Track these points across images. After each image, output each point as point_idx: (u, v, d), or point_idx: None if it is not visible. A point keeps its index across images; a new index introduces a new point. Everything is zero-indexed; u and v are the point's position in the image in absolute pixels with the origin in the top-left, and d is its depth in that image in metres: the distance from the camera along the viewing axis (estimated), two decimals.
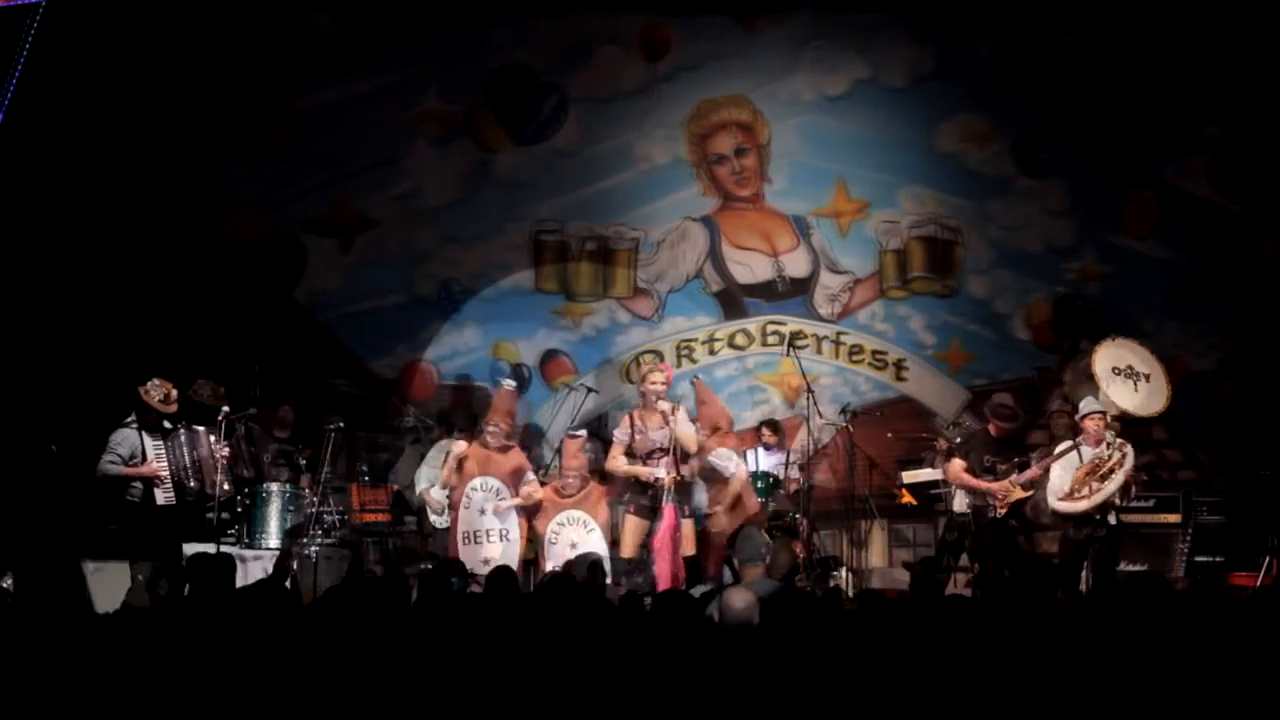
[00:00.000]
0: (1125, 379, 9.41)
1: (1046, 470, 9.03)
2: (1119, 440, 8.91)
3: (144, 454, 9.21)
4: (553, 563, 9.39)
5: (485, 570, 8.65)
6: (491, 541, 9.57)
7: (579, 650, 4.55)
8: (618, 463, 9.32)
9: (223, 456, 9.47)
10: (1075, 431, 9.14)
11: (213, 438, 9.43)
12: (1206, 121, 11.85)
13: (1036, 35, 11.94)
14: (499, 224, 12.29)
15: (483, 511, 9.60)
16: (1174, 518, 10.80)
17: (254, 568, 9.60)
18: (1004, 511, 9.08)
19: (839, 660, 4.41)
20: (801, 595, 5.80)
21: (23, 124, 10.19)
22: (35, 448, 10.26)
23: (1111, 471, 8.83)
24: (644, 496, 9.25)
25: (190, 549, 8.92)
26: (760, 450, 11.11)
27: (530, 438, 11.69)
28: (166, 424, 9.31)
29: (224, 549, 9.27)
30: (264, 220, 12.23)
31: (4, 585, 8.13)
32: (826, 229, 12.30)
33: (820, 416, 11.16)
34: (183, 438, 9.28)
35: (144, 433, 9.24)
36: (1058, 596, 6.89)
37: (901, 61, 12.11)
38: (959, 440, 9.93)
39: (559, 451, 10.71)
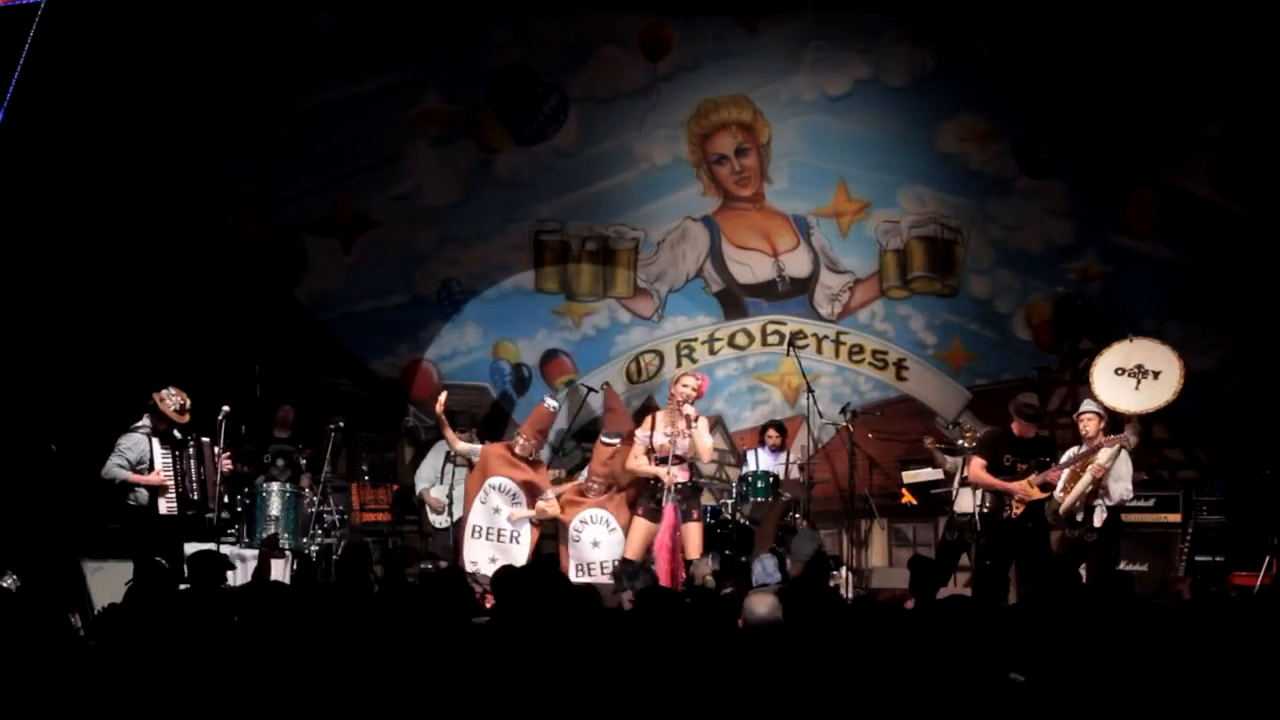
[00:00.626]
0: (1129, 378, 9.39)
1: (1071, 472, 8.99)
2: (1110, 439, 8.89)
3: (151, 462, 9.17)
4: (575, 558, 9.49)
5: (491, 568, 8.70)
6: (502, 541, 9.63)
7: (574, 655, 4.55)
8: (639, 462, 9.37)
9: (225, 470, 9.47)
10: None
11: (217, 448, 9.42)
12: (1207, 121, 11.84)
13: (1037, 35, 11.93)
14: (499, 224, 12.30)
15: (497, 510, 9.68)
16: (1174, 518, 10.80)
17: (253, 567, 9.64)
18: (1020, 511, 8.98)
19: (844, 659, 4.41)
20: (813, 592, 5.80)
21: (23, 124, 10.17)
22: (36, 448, 10.26)
23: (1084, 472, 8.83)
24: (653, 499, 9.29)
25: (190, 548, 8.93)
26: (762, 450, 11.11)
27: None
28: (177, 433, 9.28)
29: (224, 549, 9.34)
30: (265, 220, 12.24)
31: (4, 585, 8.15)
32: (827, 229, 12.30)
33: (820, 416, 11.17)
34: (191, 450, 9.25)
35: (154, 440, 9.20)
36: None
37: (902, 61, 12.10)
38: (979, 439, 9.86)
39: (557, 449, 10.79)
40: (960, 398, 12.12)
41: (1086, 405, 9.15)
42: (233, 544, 9.87)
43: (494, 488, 9.71)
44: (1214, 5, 11.54)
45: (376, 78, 12.15)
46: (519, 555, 9.47)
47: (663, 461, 9.23)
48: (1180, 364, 9.57)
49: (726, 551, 10.00)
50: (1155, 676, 4.36)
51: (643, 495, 9.38)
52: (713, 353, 12.36)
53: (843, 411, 11.01)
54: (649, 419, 9.51)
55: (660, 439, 9.25)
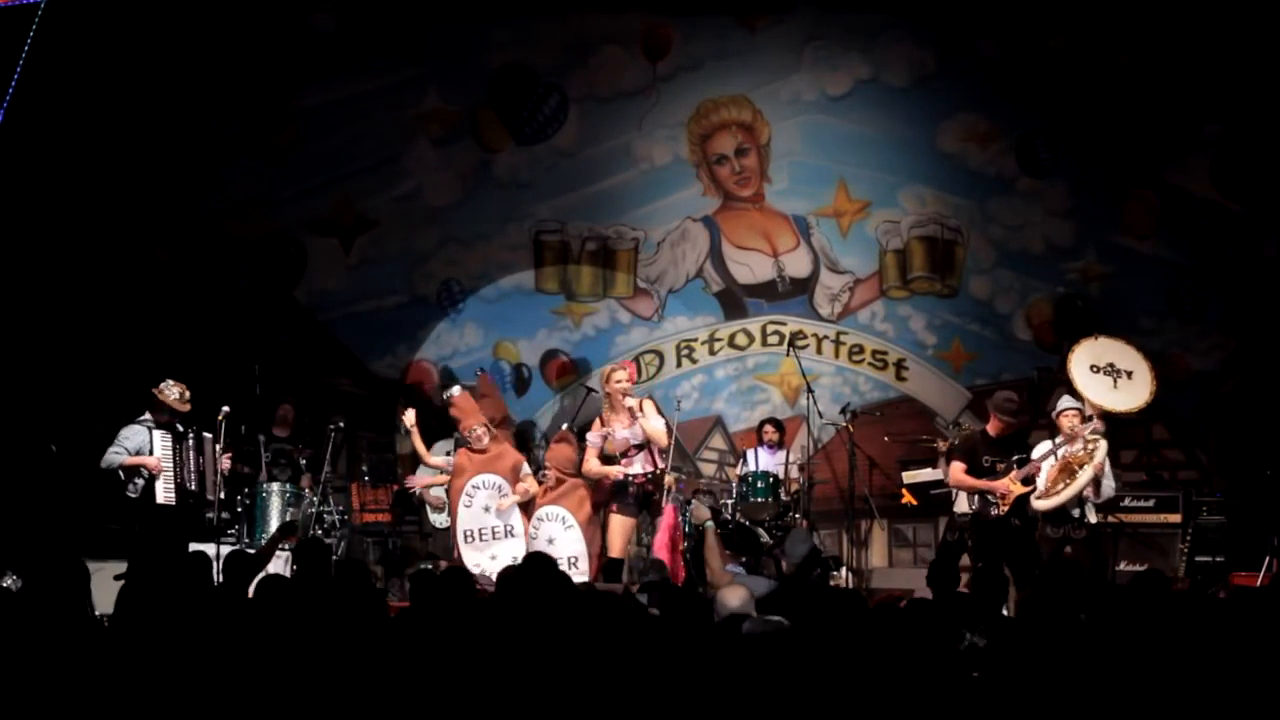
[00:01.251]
0: (1105, 376, 9.40)
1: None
2: (1093, 436, 8.89)
3: (151, 450, 9.21)
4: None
5: (495, 567, 8.68)
6: (497, 539, 9.58)
7: (566, 647, 4.55)
8: (592, 465, 9.38)
9: (225, 468, 9.48)
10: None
11: (218, 447, 9.44)
12: (1207, 121, 11.84)
13: (1037, 35, 11.93)
14: (500, 224, 12.30)
15: (486, 509, 9.60)
16: (1174, 518, 10.80)
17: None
18: (1006, 510, 9.01)
19: (839, 660, 4.41)
20: (807, 592, 5.81)
21: (23, 124, 10.18)
22: (35, 447, 10.27)
23: (1081, 466, 8.82)
24: (625, 495, 9.30)
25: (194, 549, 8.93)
26: (760, 449, 11.12)
27: (530, 438, 11.72)
28: (179, 427, 9.29)
29: (224, 549, 9.34)
30: (265, 220, 12.24)
31: (4, 585, 8.14)
32: (827, 229, 12.30)
33: (820, 417, 11.17)
34: (190, 441, 9.28)
35: (155, 431, 9.23)
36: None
37: (903, 61, 12.10)
38: (956, 443, 9.88)
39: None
40: (960, 398, 12.12)
41: (1067, 402, 9.13)
42: (232, 544, 9.86)
43: (478, 487, 9.65)
44: (1214, 5, 11.54)
45: (377, 78, 12.15)
46: (517, 548, 9.43)
47: (622, 458, 9.24)
48: (1148, 364, 9.57)
49: (726, 551, 9.97)
50: (1155, 676, 4.36)
51: (616, 493, 9.36)
52: (713, 353, 12.36)
53: (843, 412, 11.01)
54: (596, 422, 9.51)
55: (622, 434, 9.26)
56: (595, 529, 9.48)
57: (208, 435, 9.38)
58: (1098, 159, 11.98)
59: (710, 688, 4.20)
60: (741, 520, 10.34)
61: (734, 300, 12.39)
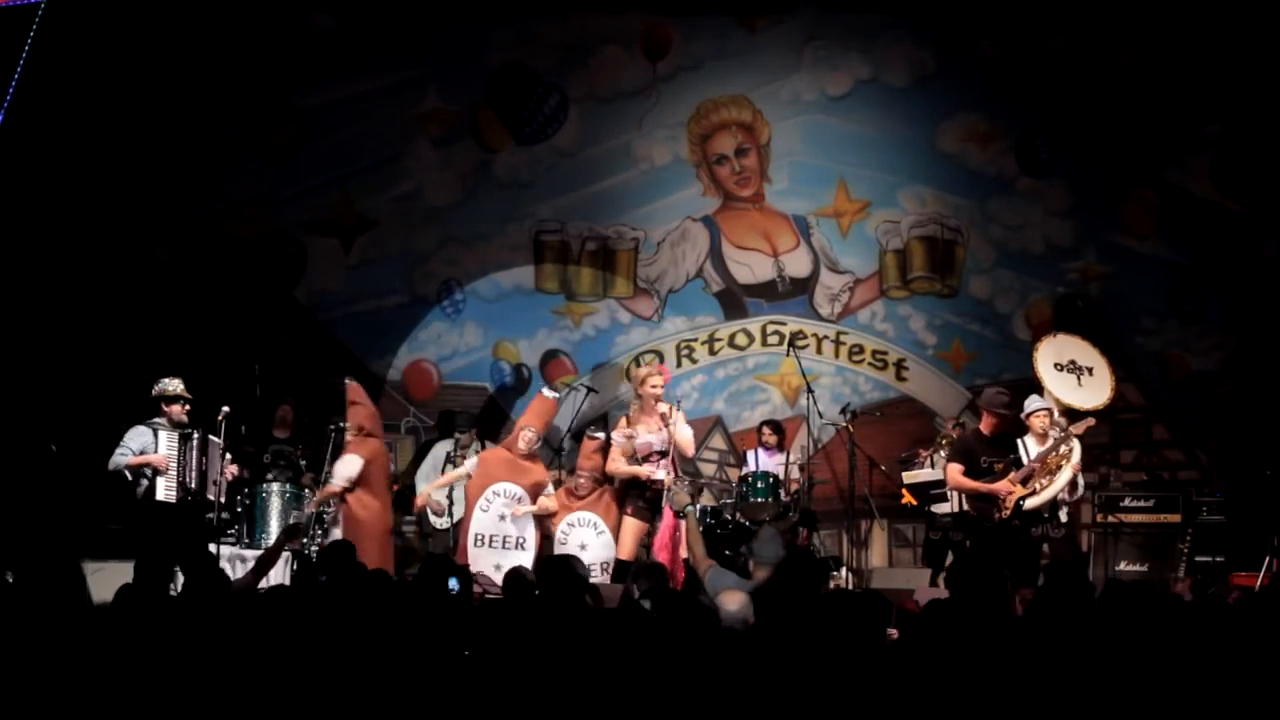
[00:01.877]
0: (1068, 374, 9.40)
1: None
2: (1066, 434, 8.88)
3: (156, 449, 9.21)
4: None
5: (498, 575, 8.67)
6: (507, 549, 9.55)
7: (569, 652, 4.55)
8: (618, 464, 9.36)
9: (231, 473, 9.45)
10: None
11: (228, 456, 9.42)
12: (1207, 121, 11.84)
13: (1037, 35, 11.94)
14: (499, 224, 12.29)
15: (502, 517, 9.58)
16: (1174, 518, 10.80)
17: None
18: (1009, 512, 8.95)
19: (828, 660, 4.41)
20: (788, 592, 5.80)
21: (23, 124, 10.18)
22: (35, 448, 10.26)
23: (1059, 467, 8.81)
24: (642, 499, 9.29)
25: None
26: (760, 450, 11.12)
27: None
28: (186, 427, 9.27)
29: (224, 549, 9.34)
30: (265, 220, 12.23)
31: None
32: (827, 229, 12.30)
33: (820, 417, 11.16)
34: (195, 441, 9.25)
35: (161, 431, 9.22)
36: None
37: (903, 61, 12.10)
38: (951, 445, 9.84)
39: (558, 450, 10.75)
40: (960, 398, 12.12)
41: (1036, 403, 9.10)
42: (233, 544, 9.86)
43: (498, 494, 9.62)
44: (1214, 5, 11.54)
45: (377, 78, 12.15)
46: (524, 561, 9.40)
47: (644, 461, 9.23)
48: (1105, 359, 9.58)
49: (726, 552, 9.98)
50: (1155, 676, 4.36)
51: (631, 495, 9.36)
52: (713, 353, 12.36)
53: (843, 412, 11.00)
54: (623, 420, 9.50)
55: (648, 438, 9.25)
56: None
57: (214, 439, 9.34)
58: (1098, 159, 11.98)
59: (705, 691, 4.20)
60: (741, 520, 10.33)
61: (734, 300, 12.39)
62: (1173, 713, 4.25)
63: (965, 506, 9.39)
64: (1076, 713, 4.22)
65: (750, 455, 11.18)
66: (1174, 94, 11.80)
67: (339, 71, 12.07)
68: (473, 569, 9.25)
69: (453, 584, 6.74)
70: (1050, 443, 8.90)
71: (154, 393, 9.32)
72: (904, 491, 10.98)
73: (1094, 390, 9.45)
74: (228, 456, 9.48)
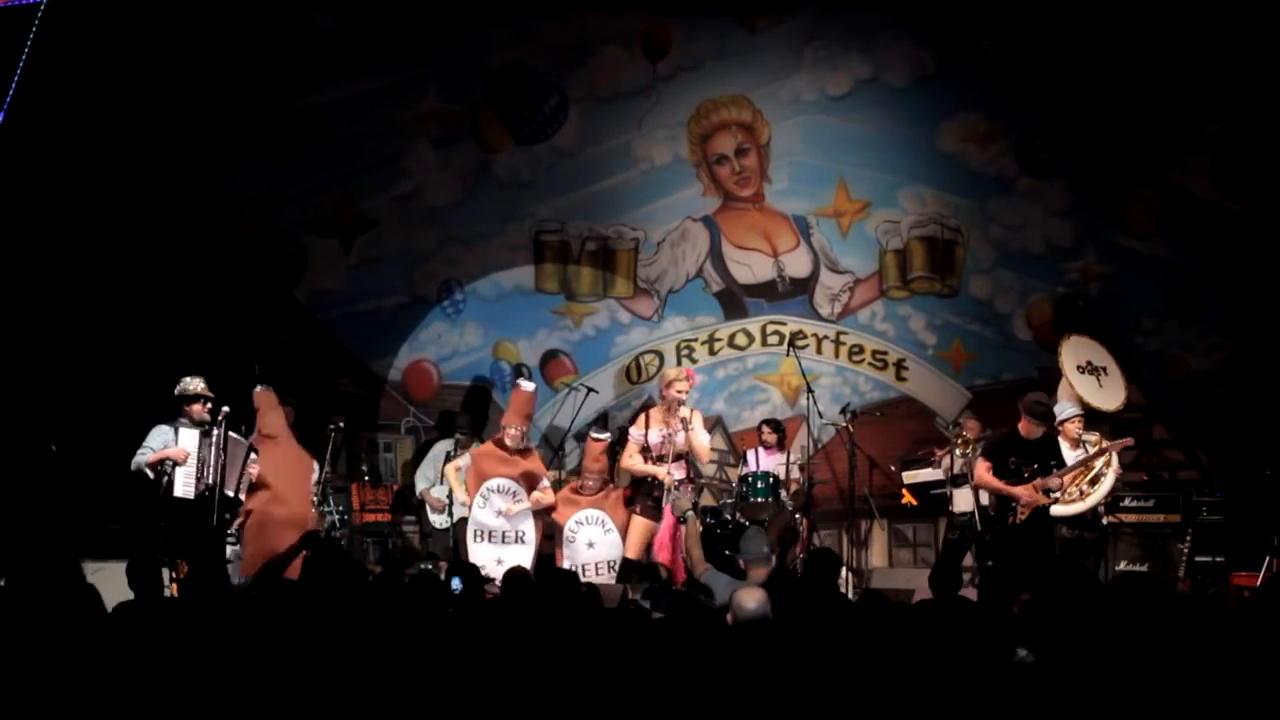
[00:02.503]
0: (1089, 375, 9.42)
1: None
2: (1100, 451, 8.89)
3: (176, 444, 9.16)
4: (570, 559, 9.48)
5: (499, 570, 8.68)
6: (507, 543, 9.58)
7: (572, 652, 4.55)
8: (634, 461, 9.39)
9: (254, 474, 9.36)
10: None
11: (254, 454, 9.36)
12: (1207, 121, 11.85)
13: (1037, 35, 11.94)
14: (499, 224, 12.29)
15: (499, 513, 9.61)
16: (1174, 518, 10.80)
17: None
18: (1025, 516, 8.91)
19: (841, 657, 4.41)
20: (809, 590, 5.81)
21: (23, 124, 10.18)
22: (35, 448, 10.26)
23: (1100, 474, 8.83)
24: (650, 498, 9.31)
25: None
26: (760, 450, 11.12)
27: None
28: (208, 425, 9.18)
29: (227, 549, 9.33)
30: (265, 220, 12.23)
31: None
32: (827, 229, 12.30)
33: (820, 417, 11.17)
34: (215, 437, 9.13)
35: (182, 429, 9.15)
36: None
37: (903, 61, 12.10)
38: (980, 440, 9.81)
39: (557, 449, 10.75)
40: (960, 398, 12.12)
41: (1069, 410, 9.12)
42: (233, 544, 9.85)
43: (493, 490, 9.66)
44: (1214, 5, 11.54)
45: (377, 78, 12.14)
46: (524, 556, 9.45)
47: (660, 460, 9.25)
48: (1114, 360, 9.61)
49: (726, 552, 9.99)
50: (1155, 676, 4.36)
51: (640, 494, 9.40)
52: (713, 353, 12.36)
53: (843, 412, 11.01)
54: (642, 417, 9.54)
55: (656, 437, 9.27)
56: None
57: (237, 437, 9.25)
58: (1098, 159, 11.99)
59: (703, 689, 4.20)
60: (741, 520, 10.33)
61: (734, 300, 12.39)
62: (1172, 712, 4.25)
63: (990, 507, 9.32)
64: (1075, 712, 4.22)
65: (750, 455, 11.19)
66: (1174, 94, 11.80)
67: (339, 71, 12.07)
68: (474, 560, 9.29)
69: (455, 584, 6.75)
70: (1084, 456, 8.90)
71: (176, 392, 9.27)
72: (904, 491, 10.99)
73: (1113, 390, 9.48)
74: (253, 456, 9.40)
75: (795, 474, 10.88)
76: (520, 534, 9.61)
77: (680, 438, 9.23)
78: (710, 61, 12.18)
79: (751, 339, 12.36)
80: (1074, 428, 9.01)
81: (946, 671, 4.30)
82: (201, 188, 12.05)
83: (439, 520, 10.76)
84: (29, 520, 9.64)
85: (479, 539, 9.61)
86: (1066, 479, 8.88)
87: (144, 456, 9.10)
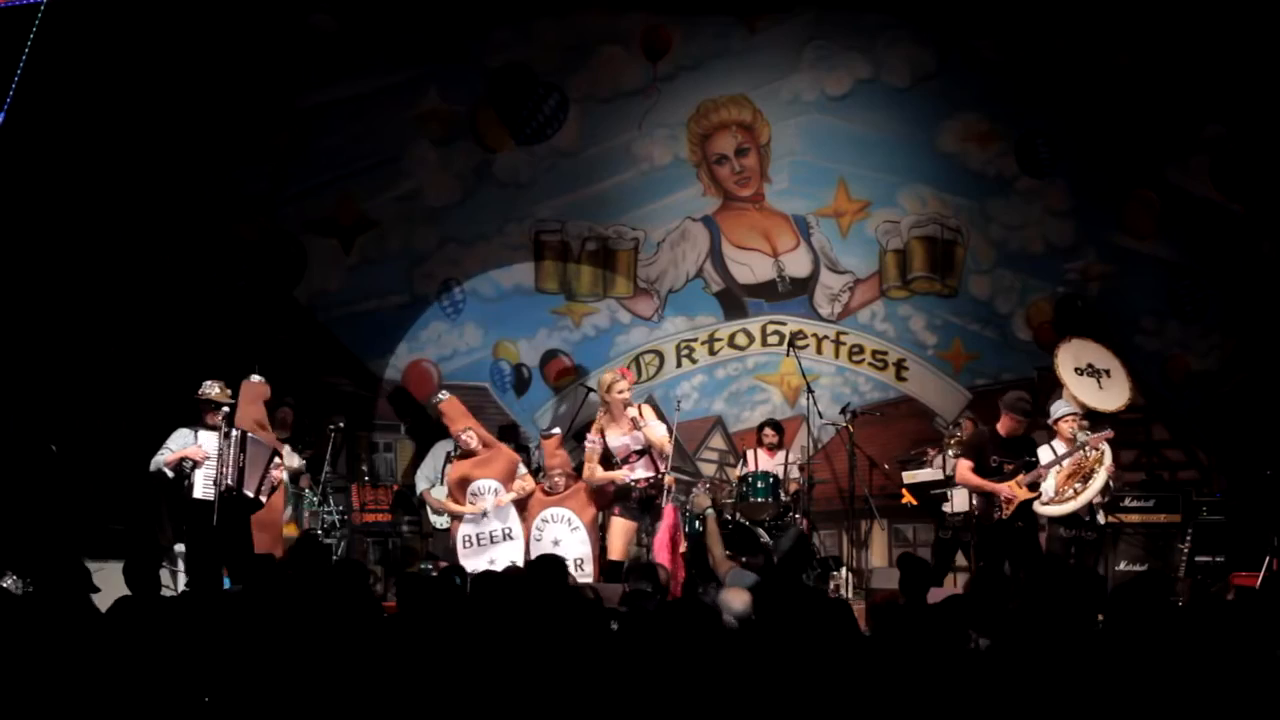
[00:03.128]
0: (1089, 377, 9.43)
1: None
2: (1085, 443, 8.89)
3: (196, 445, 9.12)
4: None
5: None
6: (495, 543, 9.57)
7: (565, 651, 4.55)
8: (595, 472, 9.37)
9: (276, 478, 9.26)
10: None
11: (278, 459, 9.29)
12: (1207, 121, 11.85)
13: (1037, 35, 11.94)
14: (499, 224, 12.30)
15: (485, 514, 9.60)
16: (1174, 518, 10.80)
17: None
18: (1010, 512, 8.97)
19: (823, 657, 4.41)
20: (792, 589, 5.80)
21: (23, 124, 10.18)
22: (36, 448, 10.26)
23: (1092, 472, 8.83)
24: (628, 500, 9.30)
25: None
26: (760, 450, 11.12)
27: (528, 439, 11.72)
28: (226, 426, 9.08)
29: None
30: (265, 220, 12.23)
31: (4, 585, 8.14)
32: (827, 229, 12.31)
33: (820, 417, 11.17)
34: (235, 438, 9.05)
35: (203, 431, 9.07)
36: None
37: (903, 61, 12.11)
38: (963, 441, 9.86)
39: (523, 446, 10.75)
40: (960, 398, 12.12)
41: (1064, 408, 9.13)
42: None
43: (475, 493, 9.66)
44: (1214, 5, 11.54)
45: (377, 78, 12.15)
46: (515, 551, 9.44)
47: (625, 463, 9.26)
48: (1119, 361, 9.61)
49: (726, 552, 9.98)
50: (1155, 676, 4.36)
51: (619, 497, 9.37)
52: (713, 353, 12.36)
53: (843, 412, 11.01)
54: (595, 426, 9.49)
55: (616, 443, 9.27)
56: (596, 531, 9.50)
57: (257, 438, 9.15)
58: (1098, 159, 11.99)
59: (699, 689, 4.20)
60: (741, 520, 10.34)
61: (734, 300, 12.39)
62: (1172, 712, 4.26)
63: (976, 507, 9.36)
64: (1074, 711, 4.23)
65: (750, 455, 11.19)
66: (1174, 94, 11.80)
67: (339, 71, 12.07)
68: (468, 570, 9.26)
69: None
70: (1071, 449, 8.91)
71: (202, 396, 9.24)
72: (904, 491, 10.99)
73: (1115, 392, 9.49)
74: (278, 459, 9.33)
75: (795, 474, 10.88)
76: (507, 531, 9.61)
77: (636, 436, 9.23)
78: (710, 61, 12.19)
79: (751, 339, 12.36)
80: (1068, 426, 9.01)
81: (930, 669, 4.30)
82: (201, 188, 12.05)
83: (439, 520, 10.75)
84: (29, 520, 9.64)
85: (467, 546, 9.59)
86: (1059, 478, 8.87)
87: (162, 456, 9.06)
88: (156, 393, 10.60)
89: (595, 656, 4.47)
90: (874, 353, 12.26)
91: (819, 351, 12.25)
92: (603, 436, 9.32)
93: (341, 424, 10.95)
